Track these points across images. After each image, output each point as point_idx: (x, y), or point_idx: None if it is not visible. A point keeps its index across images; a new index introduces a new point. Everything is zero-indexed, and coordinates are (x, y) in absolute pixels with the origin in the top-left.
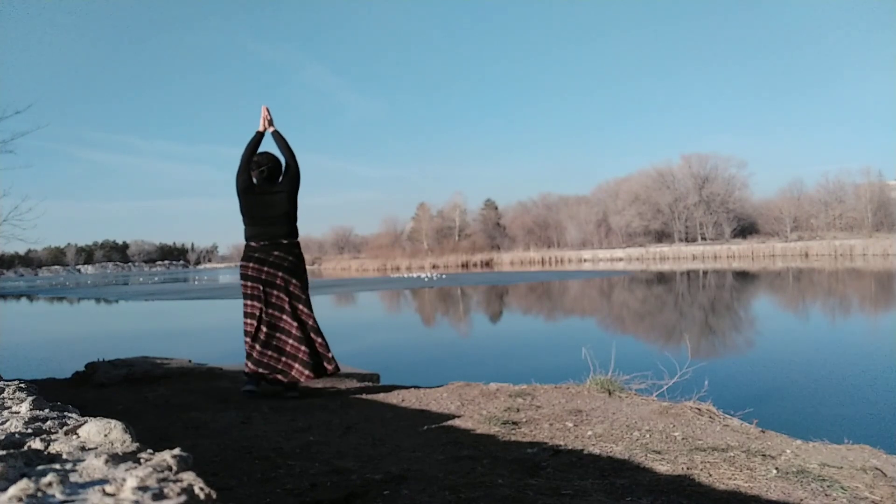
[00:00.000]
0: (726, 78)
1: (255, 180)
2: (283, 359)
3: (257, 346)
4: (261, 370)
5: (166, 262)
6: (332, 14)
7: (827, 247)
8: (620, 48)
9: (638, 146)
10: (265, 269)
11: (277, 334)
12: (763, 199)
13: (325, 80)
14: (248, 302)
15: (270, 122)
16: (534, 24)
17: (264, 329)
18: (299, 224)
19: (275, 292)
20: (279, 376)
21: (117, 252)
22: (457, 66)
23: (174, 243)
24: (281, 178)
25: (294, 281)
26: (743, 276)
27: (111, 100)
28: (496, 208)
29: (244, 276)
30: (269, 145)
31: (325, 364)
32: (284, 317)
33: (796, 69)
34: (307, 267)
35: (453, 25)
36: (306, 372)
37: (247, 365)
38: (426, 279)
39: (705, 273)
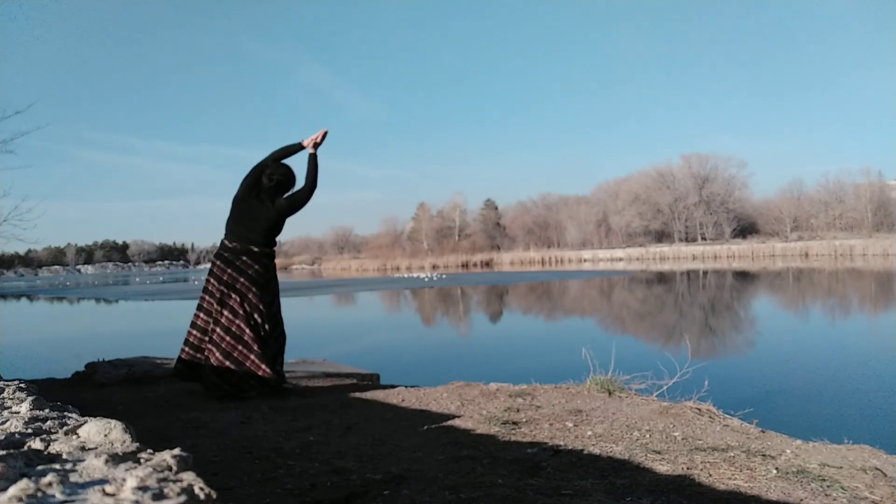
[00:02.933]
0: (726, 78)
1: (263, 182)
2: (227, 362)
3: (196, 334)
4: (194, 356)
5: (166, 262)
6: (332, 14)
7: (827, 247)
8: (620, 48)
9: (638, 146)
10: (229, 270)
11: (227, 338)
12: (763, 199)
13: (325, 80)
14: (206, 297)
15: (317, 146)
16: (534, 25)
17: (215, 328)
18: (299, 224)
19: (233, 295)
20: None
21: (117, 252)
22: (457, 65)
23: (174, 243)
24: (284, 197)
25: (254, 289)
26: (743, 277)
27: (111, 100)
28: (496, 208)
29: (210, 272)
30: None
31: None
32: (238, 321)
33: (796, 69)
34: (314, 268)
35: (453, 25)
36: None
37: (183, 350)
38: (426, 279)
39: (705, 273)
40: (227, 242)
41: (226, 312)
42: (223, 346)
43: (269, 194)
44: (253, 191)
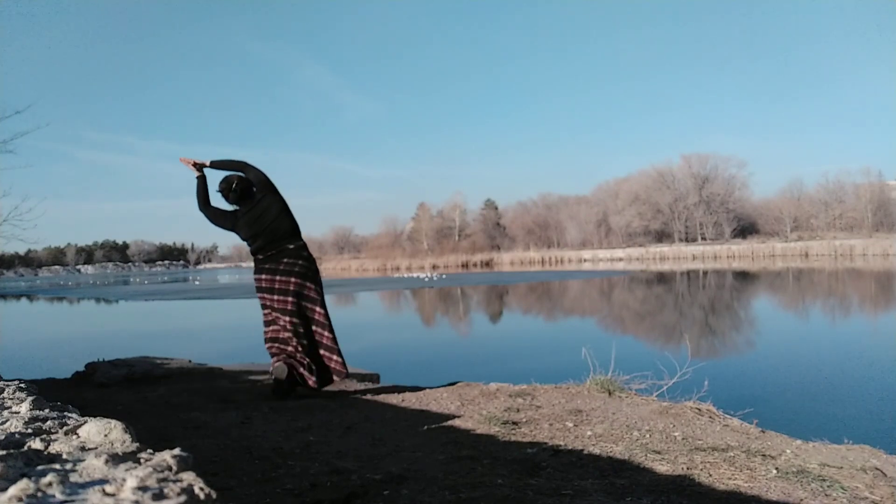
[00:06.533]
0: (726, 78)
1: (233, 206)
2: (300, 368)
3: (279, 346)
4: (289, 362)
5: (166, 262)
6: (332, 14)
7: (827, 247)
8: (620, 48)
9: (638, 146)
10: (277, 278)
11: (295, 340)
12: (763, 199)
13: (324, 79)
14: (266, 311)
15: (201, 164)
16: (534, 25)
17: (283, 334)
18: (299, 224)
19: (290, 299)
20: (301, 374)
21: (117, 252)
22: (456, 65)
23: (174, 243)
24: (254, 188)
25: (308, 284)
26: (743, 277)
27: (111, 100)
28: (496, 208)
29: (258, 289)
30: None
31: (332, 370)
32: (301, 322)
33: (796, 69)
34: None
35: (453, 25)
36: (314, 379)
37: (273, 364)
38: (426, 279)
39: (705, 273)
40: (260, 256)
41: (290, 318)
42: (301, 350)
43: (248, 201)
44: (237, 216)
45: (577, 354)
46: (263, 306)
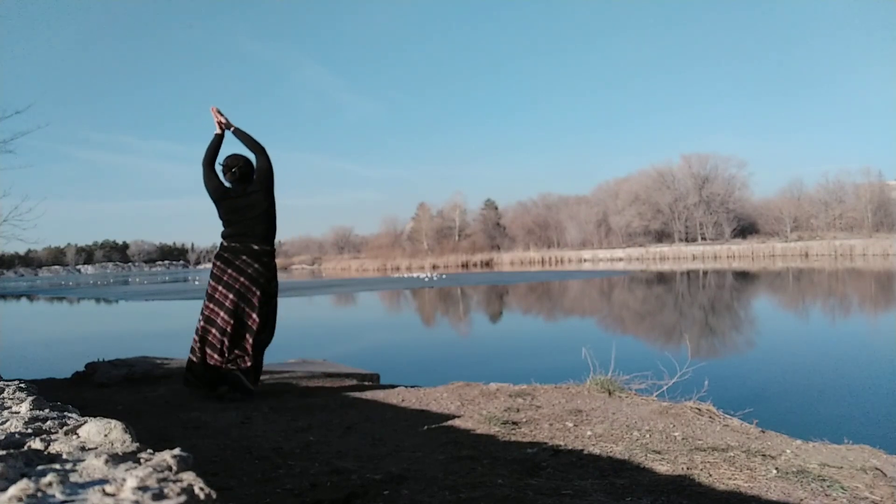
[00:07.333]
0: (726, 78)
1: (227, 184)
2: (226, 364)
3: (199, 346)
4: (206, 364)
5: (166, 262)
6: (332, 14)
7: (827, 247)
8: (620, 48)
9: (638, 146)
10: (229, 271)
11: (224, 339)
12: (763, 199)
13: (324, 79)
14: (207, 303)
15: (227, 123)
16: (534, 25)
17: (215, 332)
18: (299, 224)
19: (231, 296)
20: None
21: (117, 252)
22: (456, 65)
23: (174, 243)
24: (254, 177)
25: (254, 289)
26: (743, 277)
27: (111, 100)
28: (496, 208)
29: (211, 275)
30: (234, 146)
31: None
32: (235, 323)
33: (796, 69)
34: (316, 267)
35: (453, 25)
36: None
37: (189, 359)
38: (426, 279)
39: (705, 273)
40: (225, 244)
41: (224, 315)
42: (215, 343)
43: (242, 186)
44: (228, 195)
45: (577, 354)
46: (207, 295)
